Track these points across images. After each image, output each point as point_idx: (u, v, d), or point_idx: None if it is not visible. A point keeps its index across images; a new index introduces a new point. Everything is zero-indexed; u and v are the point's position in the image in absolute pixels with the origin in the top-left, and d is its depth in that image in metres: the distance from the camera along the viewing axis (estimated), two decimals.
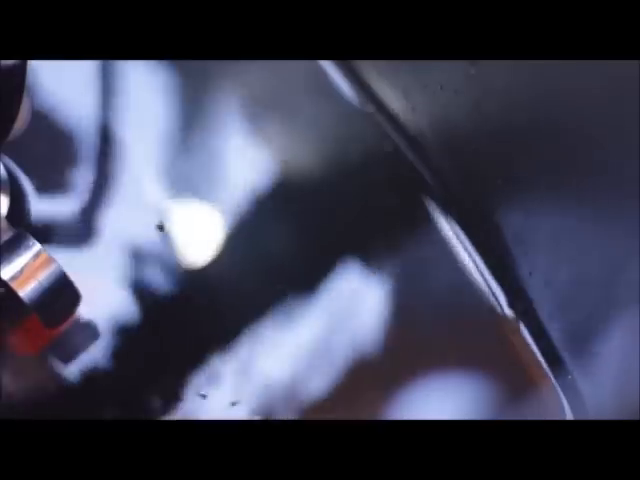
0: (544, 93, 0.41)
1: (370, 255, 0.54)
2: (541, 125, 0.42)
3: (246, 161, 0.55)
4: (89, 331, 0.48)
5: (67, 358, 0.47)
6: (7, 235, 0.44)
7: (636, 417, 0.40)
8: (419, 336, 0.53)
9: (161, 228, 0.52)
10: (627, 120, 0.38)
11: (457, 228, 0.54)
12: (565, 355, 0.50)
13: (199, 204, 0.55)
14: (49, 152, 0.52)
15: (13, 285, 0.44)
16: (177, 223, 0.53)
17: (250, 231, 0.54)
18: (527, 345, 0.52)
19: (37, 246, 0.44)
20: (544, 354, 0.52)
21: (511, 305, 0.53)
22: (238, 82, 0.56)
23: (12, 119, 0.42)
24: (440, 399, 0.51)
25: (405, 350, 0.52)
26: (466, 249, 0.54)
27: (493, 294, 0.53)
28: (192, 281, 0.52)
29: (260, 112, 0.55)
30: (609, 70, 0.38)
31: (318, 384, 0.51)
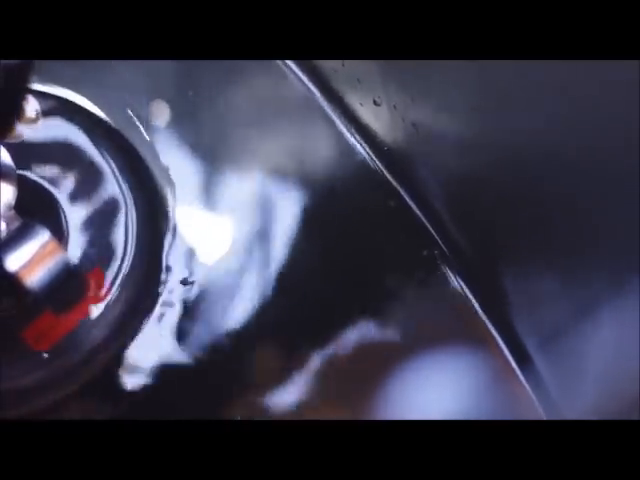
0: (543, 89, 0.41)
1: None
2: (543, 120, 0.42)
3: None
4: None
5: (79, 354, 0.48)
6: (14, 224, 0.44)
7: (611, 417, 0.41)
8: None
9: (185, 283, 0.53)
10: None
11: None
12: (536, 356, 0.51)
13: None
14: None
15: (21, 274, 0.44)
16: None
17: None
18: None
19: (44, 235, 0.45)
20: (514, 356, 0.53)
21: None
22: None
23: (16, 115, 0.42)
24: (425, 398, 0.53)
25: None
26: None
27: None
28: None
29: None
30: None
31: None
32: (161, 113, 0.57)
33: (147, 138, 0.56)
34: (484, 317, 0.55)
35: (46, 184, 0.50)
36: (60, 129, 0.52)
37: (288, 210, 0.57)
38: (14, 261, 0.44)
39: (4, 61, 0.38)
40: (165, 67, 0.58)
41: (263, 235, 0.57)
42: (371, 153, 0.58)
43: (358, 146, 0.58)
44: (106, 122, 0.52)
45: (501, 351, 0.54)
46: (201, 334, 0.55)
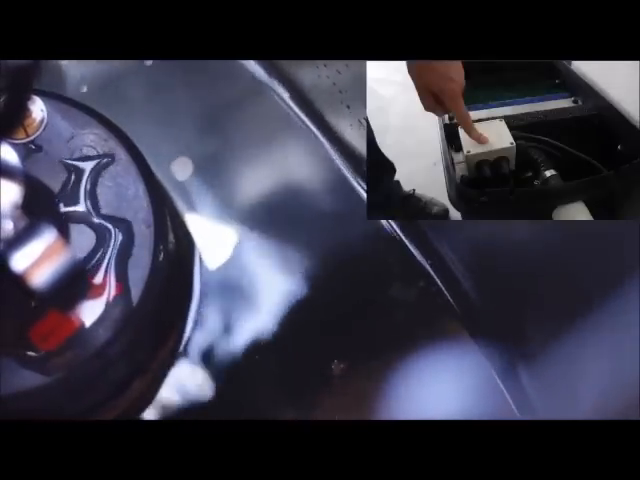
0: None
1: None
2: None
3: None
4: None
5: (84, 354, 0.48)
6: (21, 224, 0.45)
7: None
8: None
9: None
10: None
11: None
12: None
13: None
14: None
15: (28, 272, 0.45)
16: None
17: None
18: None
19: (51, 234, 0.45)
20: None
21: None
22: None
23: (21, 112, 0.43)
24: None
25: None
26: None
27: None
28: None
29: None
30: None
31: None
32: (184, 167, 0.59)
33: None
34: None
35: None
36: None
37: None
38: (21, 260, 0.44)
39: (10, 61, 0.38)
40: None
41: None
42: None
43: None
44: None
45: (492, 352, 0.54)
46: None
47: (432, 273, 0.58)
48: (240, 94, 0.62)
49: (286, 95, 0.61)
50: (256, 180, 0.61)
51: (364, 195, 0.60)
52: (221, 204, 0.60)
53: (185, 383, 0.56)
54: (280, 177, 0.61)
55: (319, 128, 0.61)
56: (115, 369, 0.52)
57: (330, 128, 0.61)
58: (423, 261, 0.58)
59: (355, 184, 0.60)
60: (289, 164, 0.62)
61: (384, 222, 0.58)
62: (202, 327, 0.57)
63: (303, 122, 0.61)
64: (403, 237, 0.59)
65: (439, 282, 0.57)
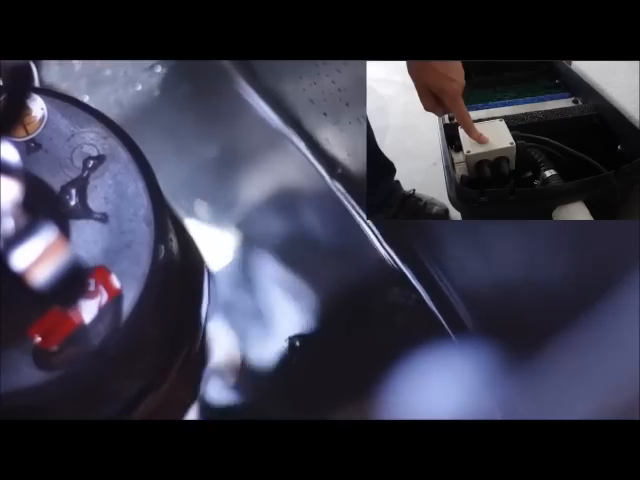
0: None
1: None
2: None
3: None
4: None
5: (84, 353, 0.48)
6: (22, 221, 0.45)
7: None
8: None
9: None
10: None
11: None
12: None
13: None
14: None
15: (29, 270, 0.45)
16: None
17: None
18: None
19: (51, 232, 0.45)
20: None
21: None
22: None
23: (21, 110, 0.43)
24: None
25: None
26: None
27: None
28: None
29: None
30: None
31: None
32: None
33: None
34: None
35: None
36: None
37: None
38: (22, 258, 0.44)
39: (10, 60, 0.39)
40: None
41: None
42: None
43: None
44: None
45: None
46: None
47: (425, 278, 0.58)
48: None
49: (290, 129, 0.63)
50: (255, 190, 0.62)
51: (359, 220, 0.60)
52: (222, 211, 0.61)
53: (200, 385, 0.56)
54: (278, 196, 0.62)
55: (316, 155, 0.62)
56: (123, 373, 0.52)
57: (330, 156, 0.62)
58: (417, 266, 0.59)
59: (351, 208, 0.61)
60: (288, 186, 0.63)
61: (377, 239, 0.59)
62: (212, 330, 0.58)
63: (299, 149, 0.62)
64: (398, 241, 0.59)
65: (437, 284, 0.58)
